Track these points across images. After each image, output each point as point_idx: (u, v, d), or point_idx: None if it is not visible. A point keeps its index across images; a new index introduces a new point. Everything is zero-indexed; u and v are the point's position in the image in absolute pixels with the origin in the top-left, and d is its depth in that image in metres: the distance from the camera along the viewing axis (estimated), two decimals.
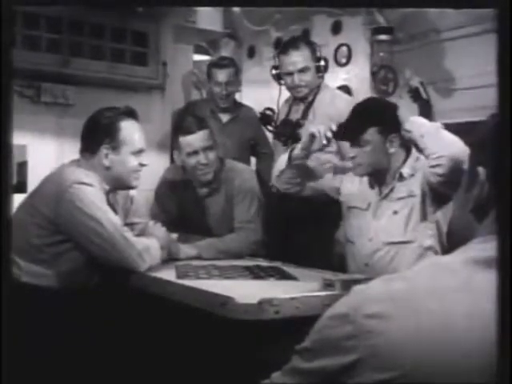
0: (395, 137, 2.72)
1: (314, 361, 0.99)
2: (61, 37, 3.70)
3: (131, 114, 2.75)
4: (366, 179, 2.89)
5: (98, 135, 2.67)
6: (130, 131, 2.70)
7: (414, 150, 2.78)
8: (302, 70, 3.58)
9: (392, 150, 2.73)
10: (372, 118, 2.76)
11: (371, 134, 2.72)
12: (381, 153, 2.73)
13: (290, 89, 3.69)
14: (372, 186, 2.85)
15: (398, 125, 2.74)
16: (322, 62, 3.66)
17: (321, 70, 3.66)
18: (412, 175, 2.74)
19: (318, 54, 3.66)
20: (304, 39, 3.74)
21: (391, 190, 2.77)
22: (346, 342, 0.95)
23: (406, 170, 2.75)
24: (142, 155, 2.74)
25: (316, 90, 3.67)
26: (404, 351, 0.91)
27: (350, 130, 2.80)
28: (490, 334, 0.89)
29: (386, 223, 2.75)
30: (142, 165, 2.72)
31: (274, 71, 3.72)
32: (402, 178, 2.75)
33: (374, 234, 2.77)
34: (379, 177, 2.81)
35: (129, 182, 2.73)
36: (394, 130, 2.71)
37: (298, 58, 3.58)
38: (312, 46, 3.66)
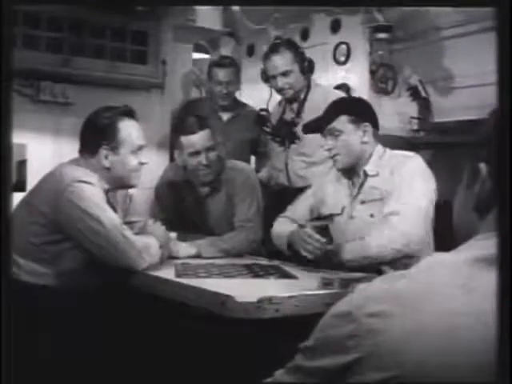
0: (368, 126, 2.77)
1: (317, 359, 0.99)
2: (61, 36, 3.70)
3: (129, 113, 2.74)
4: (340, 182, 2.90)
5: (96, 136, 2.67)
6: (129, 131, 2.70)
7: (379, 146, 2.81)
8: (285, 74, 3.66)
9: (365, 139, 2.76)
10: (341, 106, 2.85)
11: (342, 122, 2.76)
12: (355, 142, 2.76)
13: (277, 91, 3.78)
14: (344, 178, 2.87)
15: (370, 115, 2.83)
16: (306, 64, 3.72)
17: (305, 72, 3.72)
18: (377, 174, 2.75)
19: (302, 56, 3.72)
20: (285, 43, 3.78)
21: (360, 189, 2.78)
22: (348, 341, 0.95)
23: (369, 167, 2.77)
24: (142, 153, 2.74)
25: (305, 89, 3.75)
26: (406, 350, 0.91)
27: (319, 120, 2.86)
28: (491, 333, 0.89)
29: (364, 226, 2.72)
30: (141, 163, 2.72)
31: (262, 75, 3.82)
32: (366, 175, 2.77)
33: (351, 236, 2.73)
34: (351, 170, 2.82)
35: (129, 181, 2.73)
36: (366, 119, 2.79)
37: (278, 62, 3.66)
38: (294, 49, 3.72)
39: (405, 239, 2.56)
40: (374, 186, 2.75)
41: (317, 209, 2.98)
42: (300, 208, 3.04)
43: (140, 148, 2.72)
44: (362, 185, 2.78)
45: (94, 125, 2.69)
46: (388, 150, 2.83)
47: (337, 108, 2.84)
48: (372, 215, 2.72)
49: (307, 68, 3.73)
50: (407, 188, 2.64)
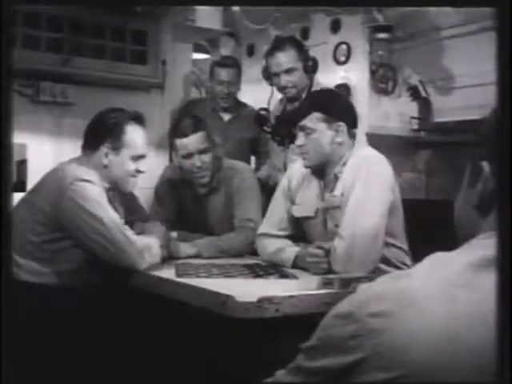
0: (342, 126, 2.66)
1: (319, 359, 0.99)
2: (61, 36, 3.70)
3: (138, 119, 2.76)
4: (310, 182, 2.82)
5: (101, 134, 2.69)
6: (134, 136, 2.72)
7: (355, 146, 2.71)
8: (288, 71, 3.61)
9: (338, 140, 2.65)
10: (315, 102, 2.74)
11: (314, 120, 2.65)
12: (325, 142, 2.65)
13: (279, 89, 3.73)
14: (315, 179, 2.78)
15: (346, 113, 2.72)
16: (310, 62, 3.67)
17: (309, 71, 3.67)
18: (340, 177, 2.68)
19: (306, 55, 3.68)
20: (290, 40, 3.73)
21: (332, 192, 2.69)
22: (350, 341, 0.95)
23: (338, 169, 2.68)
24: (142, 161, 2.74)
25: (307, 88, 3.69)
26: (408, 350, 0.91)
27: (292, 114, 2.79)
28: (494, 334, 0.89)
29: (333, 236, 2.62)
30: (139, 171, 2.73)
31: (264, 72, 3.76)
32: (337, 179, 2.68)
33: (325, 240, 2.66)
34: (321, 170, 2.74)
35: (124, 184, 2.74)
36: (341, 118, 2.67)
37: (283, 60, 3.60)
38: (299, 47, 3.67)
39: (345, 266, 2.47)
40: (333, 193, 2.67)
41: (290, 209, 2.88)
42: (275, 217, 2.92)
43: (141, 157, 2.74)
44: (333, 189, 2.69)
45: (101, 122, 2.71)
46: (359, 150, 2.71)
47: (310, 104, 2.75)
48: (336, 225, 2.62)
49: (311, 67, 3.67)
50: (359, 201, 2.54)
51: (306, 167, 2.78)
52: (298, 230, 2.91)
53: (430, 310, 0.92)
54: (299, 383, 1.03)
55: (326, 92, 3.10)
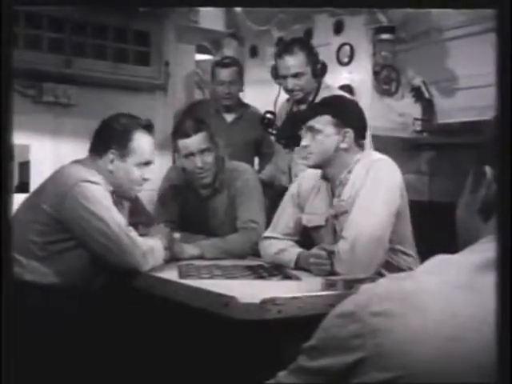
0: (348, 132, 2.65)
1: (321, 359, 0.99)
2: (63, 37, 3.70)
3: (148, 127, 2.76)
4: (320, 190, 2.81)
5: (108, 139, 2.69)
6: (141, 144, 2.71)
7: (361, 152, 2.71)
8: (296, 75, 3.57)
9: (343, 146, 2.65)
10: (329, 105, 2.74)
11: (324, 122, 2.66)
12: (331, 145, 2.65)
13: (286, 91, 3.70)
14: (326, 187, 2.77)
15: (357, 122, 2.72)
16: (319, 66, 3.64)
17: (317, 75, 3.64)
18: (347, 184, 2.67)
19: (316, 58, 3.64)
20: (299, 43, 3.66)
21: (340, 197, 2.67)
22: (352, 341, 0.95)
23: (343, 176, 2.67)
24: (148, 168, 2.74)
25: (315, 90, 3.65)
26: (410, 351, 0.91)
27: (302, 113, 2.78)
28: (495, 335, 0.89)
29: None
30: (144, 179, 2.74)
31: (272, 71, 3.73)
32: (344, 185, 2.67)
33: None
34: (329, 176, 2.73)
35: (128, 191, 2.74)
36: (348, 125, 2.66)
37: (292, 63, 3.56)
38: (308, 50, 3.62)
39: (347, 267, 2.46)
40: (341, 198, 2.66)
41: (300, 218, 2.87)
42: (281, 223, 2.91)
43: (147, 163, 2.74)
44: (340, 195, 2.68)
45: (110, 127, 2.71)
46: (367, 156, 2.69)
47: (323, 106, 2.75)
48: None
49: (320, 71, 3.63)
50: (364, 203, 2.54)
51: (308, 167, 2.79)
52: (304, 237, 2.90)
53: (432, 311, 0.92)
54: None
55: (340, 98, 3.09)
